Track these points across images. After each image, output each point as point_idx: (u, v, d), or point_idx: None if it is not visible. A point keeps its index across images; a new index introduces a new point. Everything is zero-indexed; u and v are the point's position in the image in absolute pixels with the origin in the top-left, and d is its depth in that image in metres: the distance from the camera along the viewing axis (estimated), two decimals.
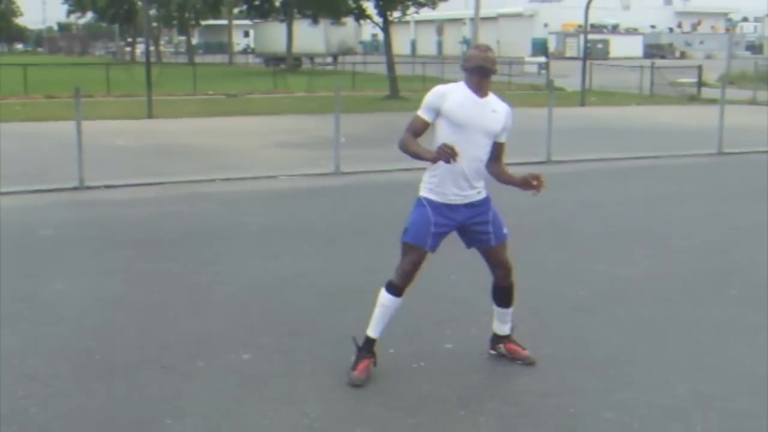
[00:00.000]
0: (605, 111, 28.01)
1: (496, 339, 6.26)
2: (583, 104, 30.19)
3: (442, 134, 5.71)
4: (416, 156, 5.68)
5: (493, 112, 5.79)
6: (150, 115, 24.67)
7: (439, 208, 5.88)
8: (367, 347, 5.87)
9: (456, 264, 8.76)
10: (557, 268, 8.62)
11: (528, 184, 5.88)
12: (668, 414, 5.28)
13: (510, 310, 6.21)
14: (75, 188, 12.88)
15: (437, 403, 5.44)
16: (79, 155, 13.12)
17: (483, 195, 5.97)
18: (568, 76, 39.98)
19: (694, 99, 33.89)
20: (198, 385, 5.66)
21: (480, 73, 5.72)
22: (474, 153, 5.76)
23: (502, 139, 5.92)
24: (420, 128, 5.78)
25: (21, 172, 14.21)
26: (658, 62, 43.47)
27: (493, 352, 6.25)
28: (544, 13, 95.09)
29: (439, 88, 5.83)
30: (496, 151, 5.90)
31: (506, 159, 6.03)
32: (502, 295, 6.20)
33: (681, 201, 12.49)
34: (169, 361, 6.06)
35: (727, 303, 7.48)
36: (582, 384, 5.78)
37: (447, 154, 5.36)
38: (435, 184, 5.84)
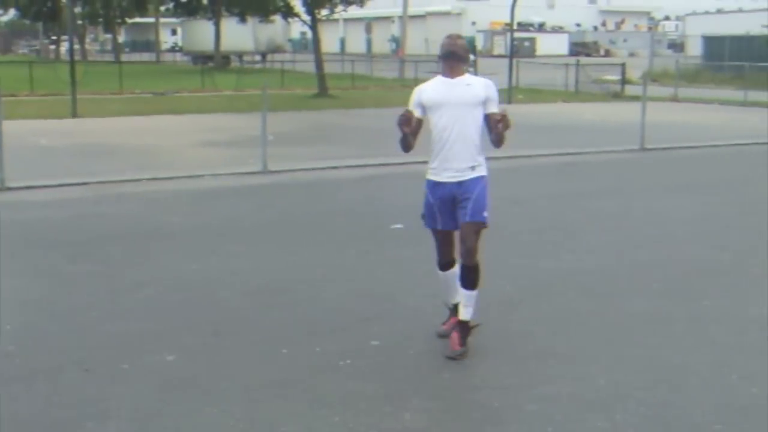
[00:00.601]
0: (532, 108, 28.25)
1: (453, 319, 6.47)
2: (510, 102, 30.33)
3: (432, 123, 6.22)
4: (401, 140, 6.25)
5: (468, 86, 6.21)
6: (74, 115, 24.31)
7: (434, 187, 6.35)
8: (453, 311, 6.45)
9: (383, 261, 8.83)
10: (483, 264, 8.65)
11: (495, 126, 6.19)
12: (590, 406, 5.36)
13: (470, 293, 6.33)
14: None
15: (363, 400, 5.44)
16: (0, 154, 12.88)
17: (476, 173, 6.27)
18: (495, 73, 40.15)
19: (617, 96, 34.37)
20: (121, 387, 5.58)
21: (450, 57, 6.23)
22: (460, 129, 6.16)
23: (492, 109, 6.21)
24: (413, 121, 6.17)
25: None
26: (583, 60, 43.99)
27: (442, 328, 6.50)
28: (472, 12, 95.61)
29: (416, 87, 6.40)
30: (489, 122, 6.20)
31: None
32: (462, 274, 6.36)
33: (603, 196, 12.68)
34: (91, 363, 5.97)
35: (648, 296, 7.60)
36: (507, 378, 5.84)
37: (401, 119, 6.04)
38: (434, 166, 6.33)
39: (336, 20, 62.05)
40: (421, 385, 5.80)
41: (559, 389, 5.61)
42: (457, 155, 6.20)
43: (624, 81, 36.77)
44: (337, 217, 11.00)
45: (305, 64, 44.73)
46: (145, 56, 79.25)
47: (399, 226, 10.19)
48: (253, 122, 20.23)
